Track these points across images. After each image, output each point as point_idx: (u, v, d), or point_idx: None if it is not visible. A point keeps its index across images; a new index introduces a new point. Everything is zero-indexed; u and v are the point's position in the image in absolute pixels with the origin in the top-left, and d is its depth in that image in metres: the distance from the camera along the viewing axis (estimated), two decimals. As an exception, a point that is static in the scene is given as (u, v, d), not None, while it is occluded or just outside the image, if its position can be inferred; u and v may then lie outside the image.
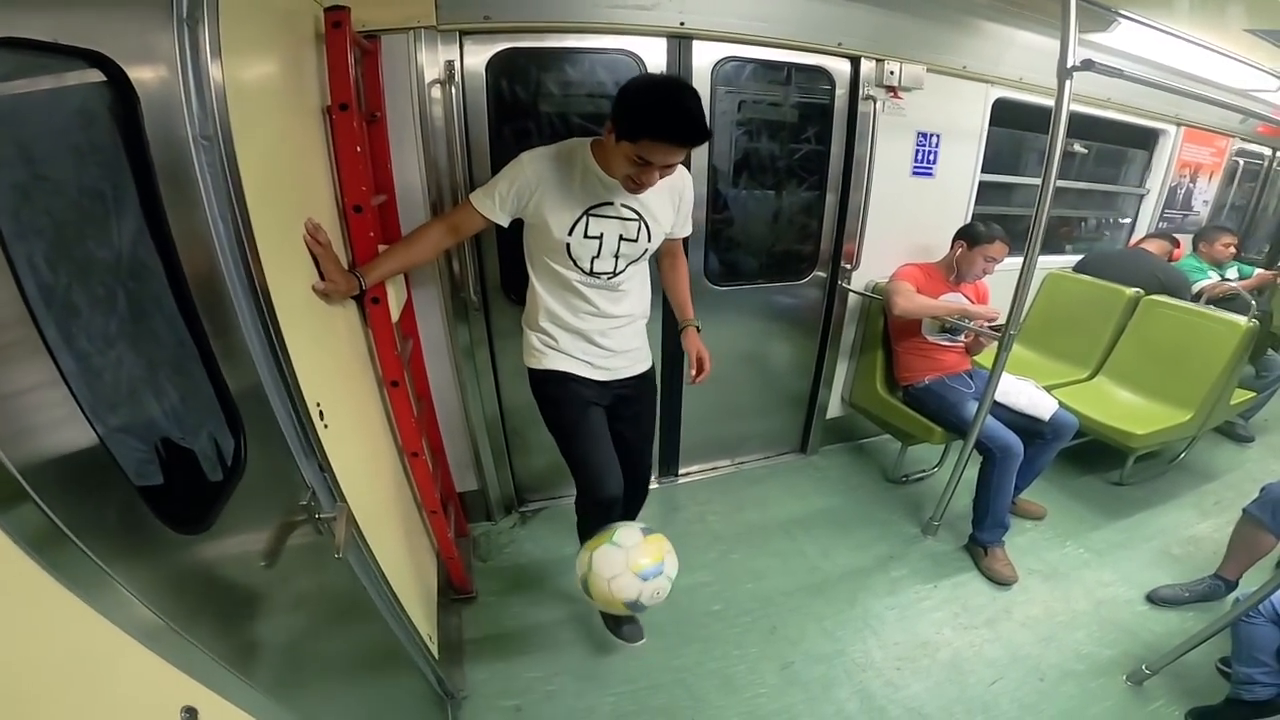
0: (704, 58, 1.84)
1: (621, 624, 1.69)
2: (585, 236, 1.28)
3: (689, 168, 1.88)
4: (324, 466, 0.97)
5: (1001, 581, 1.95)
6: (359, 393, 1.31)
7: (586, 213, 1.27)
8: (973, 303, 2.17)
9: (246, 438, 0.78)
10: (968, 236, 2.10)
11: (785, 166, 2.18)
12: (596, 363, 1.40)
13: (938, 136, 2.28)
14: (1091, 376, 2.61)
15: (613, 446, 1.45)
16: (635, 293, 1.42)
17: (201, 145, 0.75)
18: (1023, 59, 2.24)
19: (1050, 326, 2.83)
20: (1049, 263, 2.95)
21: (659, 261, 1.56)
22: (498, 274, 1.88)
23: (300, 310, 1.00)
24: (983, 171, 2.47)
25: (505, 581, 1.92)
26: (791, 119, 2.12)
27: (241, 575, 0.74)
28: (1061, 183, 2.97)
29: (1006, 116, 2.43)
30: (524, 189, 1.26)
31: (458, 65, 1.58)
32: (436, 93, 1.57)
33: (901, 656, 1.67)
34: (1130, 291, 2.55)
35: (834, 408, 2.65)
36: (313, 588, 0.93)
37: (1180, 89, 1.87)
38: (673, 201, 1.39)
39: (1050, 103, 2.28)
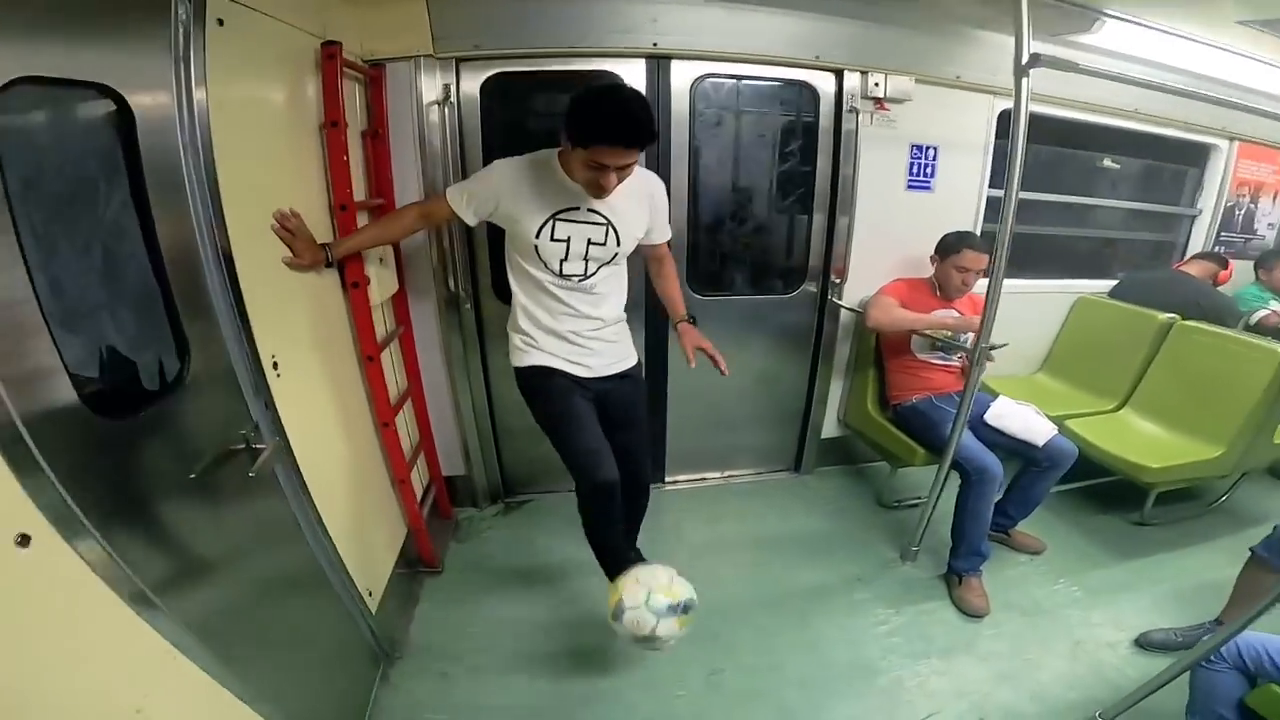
0: (682, 76, 1.97)
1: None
2: (552, 239, 1.35)
3: (668, 179, 2.04)
4: (269, 405, 1.16)
5: (971, 613, 1.82)
6: (333, 361, 1.51)
7: (553, 216, 1.34)
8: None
9: (192, 366, 0.98)
10: (939, 248, 2.04)
11: (769, 179, 2.23)
12: (578, 360, 1.46)
13: (935, 149, 2.24)
14: (1118, 408, 2.39)
15: (603, 433, 1.48)
16: (613, 295, 1.47)
17: (188, 150, 0.99)
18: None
19: (1079, 354, 2.63)
20: (1086, 287, 2.75)
21: (647, 267, 1.63)
22: (489, 274, 2.05)
23: (266, 281, 1.20)
24: (994, 186, 2.37)
25: (474, 564, 2.03)
26: (774, 132, 2.18)
27: (159, 470, 0.92)
28: (1094, 201, 2.82)
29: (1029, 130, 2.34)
30: (489, 194, 1.37)
31: (453, 88, 1.81)
32: (435, 113, 1.81)
33: (837, 677, 1.61)
34: (1163, 317, 2.33)
35: (830, 427, 2.58)
36: (236, 503, 1.10)
37: (1149, 83, 1.68)
38: (644, 206, 1.44)
39: (1081, 116, 2.14)
